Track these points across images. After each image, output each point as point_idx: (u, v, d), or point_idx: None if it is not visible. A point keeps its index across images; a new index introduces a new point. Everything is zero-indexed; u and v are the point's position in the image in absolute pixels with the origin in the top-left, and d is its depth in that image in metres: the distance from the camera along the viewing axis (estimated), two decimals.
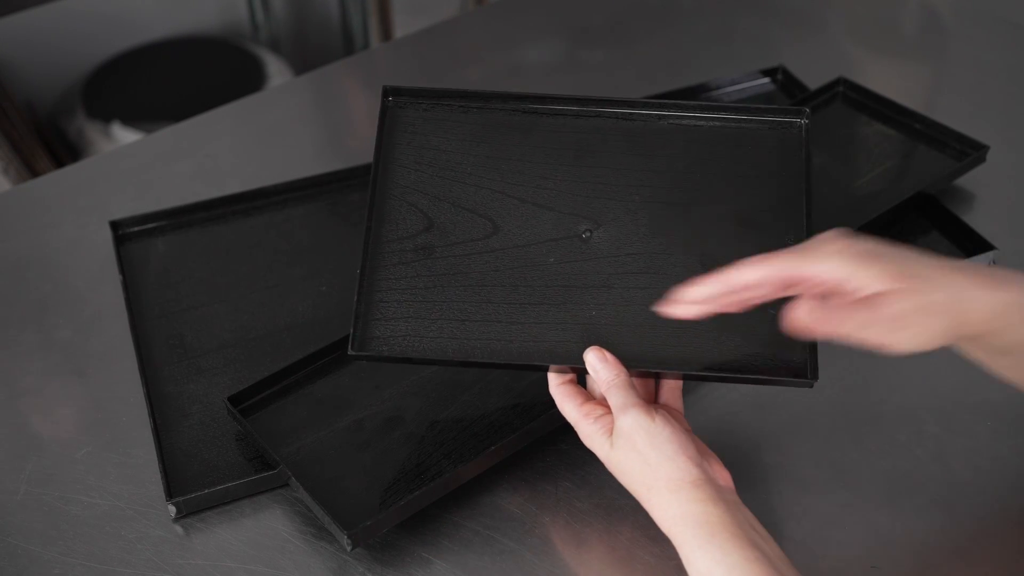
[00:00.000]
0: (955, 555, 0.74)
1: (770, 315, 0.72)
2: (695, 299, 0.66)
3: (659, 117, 0.79)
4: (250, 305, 0.92)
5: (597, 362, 0.70)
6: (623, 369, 0.70)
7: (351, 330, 0.72)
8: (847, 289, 0.61)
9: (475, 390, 0.81)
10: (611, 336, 0.72)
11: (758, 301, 0.66)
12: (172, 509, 0.76)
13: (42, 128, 1.91)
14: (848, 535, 0.75)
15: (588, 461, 0.79)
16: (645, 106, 0.80)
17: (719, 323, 0.71)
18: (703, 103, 0.80)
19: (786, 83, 1.16)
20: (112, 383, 0.86)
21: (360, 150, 1.13)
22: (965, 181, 1.02)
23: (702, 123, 0.79)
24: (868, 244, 0.62)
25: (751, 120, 0.79)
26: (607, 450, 0.68)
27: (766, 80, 1.17)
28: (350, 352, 0.71)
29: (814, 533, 0.75)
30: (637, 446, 0.66)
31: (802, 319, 0.63)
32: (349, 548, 0.71)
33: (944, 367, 0.86)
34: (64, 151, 1.85)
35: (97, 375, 0.87)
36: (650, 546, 0.74)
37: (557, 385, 0.72)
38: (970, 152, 1.01)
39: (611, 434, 0.68)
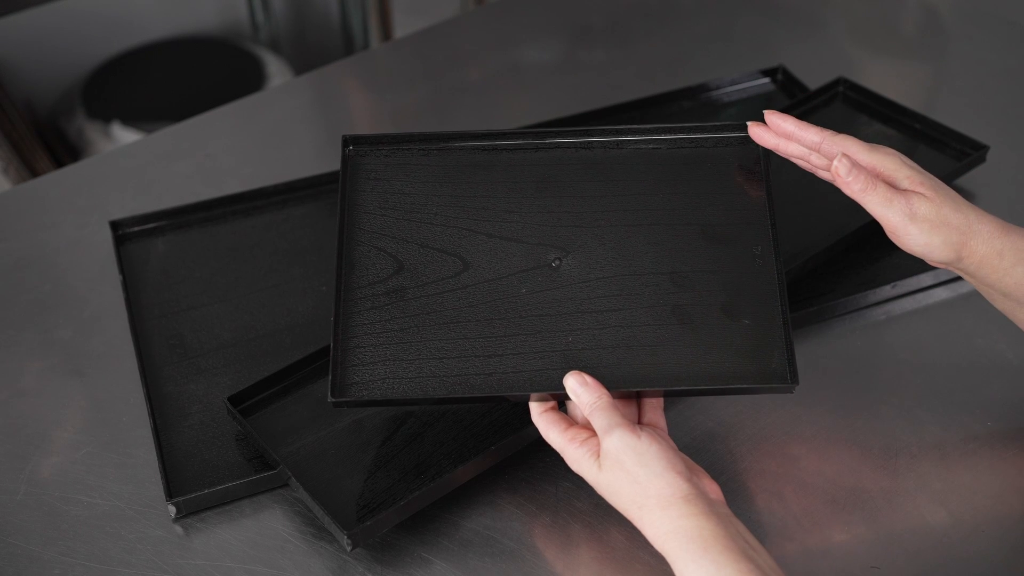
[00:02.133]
0: (955, 555, 0.74)
1: (745, 326, 0.72)
2: (779, 128, 0.75)
3: (617, 144, 0.80)
4: (250, 305, 0.92)
5: (578, 386, 0.70)
6: (604, 391, 0.70)
7: (330, 377, 0.72)
8: (887, 180, 0.72)
9: None
10: (589, 360, 0.72)
11: (812, 168, 0.76)
12: (172, 509, 0.76)
13: (42, 128, 1.91)
14: (848, 535, 0.75)
15: None
16: (603, 133, 0.80)
17: (696, 338, 0.73)
18: (659, 126, 0.80)
19: (786, 83, 1.16)
20: (112, 383, 0.86)
21: None
22: (965, 181, 1.02)
23: (660, 145, 0.80)
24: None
25: (708, 138, 0.80)
26: (595, 473, 0.68)
27: (766, 80, 1.17)
28: (330, 400, 0.71)
29: (814, 533, 0.75)
30: (625, 465, 0.66)
31: (848, 164, 0.71)
32: (349, 548, 0.71)
33: (944, 368, 0.86)
34: (64, 151, 1.85)
35: (97, 375, 0.87)
36: (649, 547, 0.73)
37: (539, 413, 0.72)
38: (970, 152, 1.01)
39: (598, 456, 0.68)
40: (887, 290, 0.91)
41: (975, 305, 0.92)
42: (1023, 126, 1.13)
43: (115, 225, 0.98)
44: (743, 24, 1.32)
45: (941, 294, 0.92)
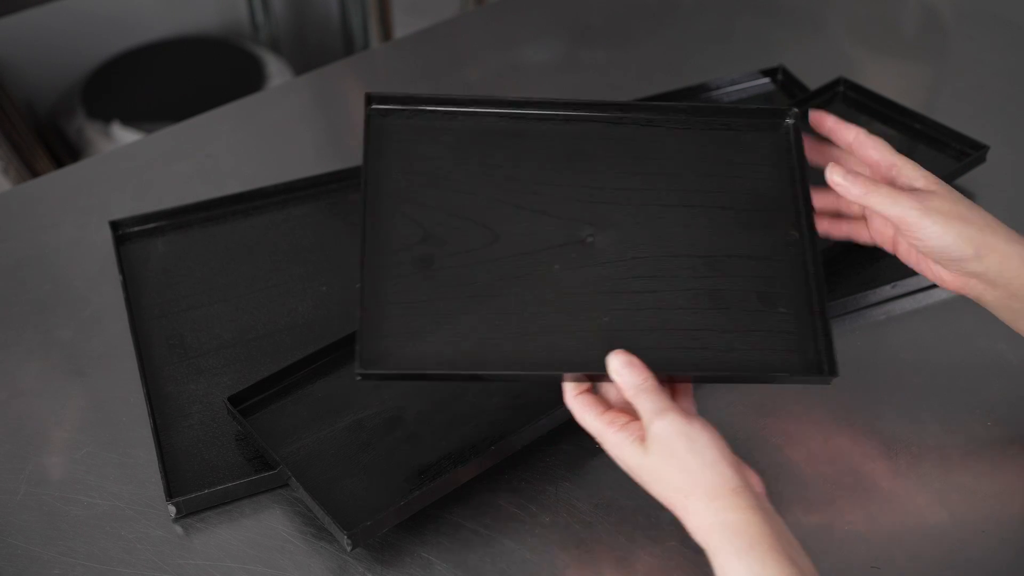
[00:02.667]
0: (956, 555, 0.74)
1: (781, 314, 0.72)
2: (820, 125, 0.79)
3: (649, 120, 0.79)
4: (250, 305, 0.91)
5: (622, 367, 0.67)
6: (650, 372, 0.67)
7: (357, 348, 0.69)
8: (901, 181, 0.74)
9: (475, 390, 0.81)
10: (626, 341, 0.70)
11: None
12: (172, 509, 0.76)
13: (42, 128, 1.91)
14: (848, 535, 0.75)
15: (588, 461, 0.79)
16: (635, 109, 0.79)
17: (732, 325, 0.72)
18: (694, 105, 0.79)
19: (786, 83, 1.16)
20: (112, 383, 0.86)
21: (360, 150, 1.13)
22: (965, 181, 1.02)
23: (693, 126, 0.79)
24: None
25: (740, 121, 0.79)
26: (639, 458, 0.66)
27: (766, 80, 1.17)
28: (357, 371, 0.68)
29: (814, 533, 0.75)
30: (676, 452, 0.64)
31: (845, 171, 0.73)
32: (349, 548, 0.71)
33: (944, 368, 0.86)
34: (64, 151, 1.85)
35: (97, 375, 0.87)
36: (650, 546, 0.74)
37: (574, 396, 0.70)
38: (970, 152, 1.01)
39: (642, 441, 0.66)
40: (887, 290, 0.91)
41: (975, 305, 0.91)
42: (1023, 126, 1.13)
43: (115, 225, 0.98)
44: (743, 24, 1.32)
45: (941, 294, 0.92)
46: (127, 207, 1.03)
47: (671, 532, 0.74)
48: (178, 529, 0.76)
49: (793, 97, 1.13)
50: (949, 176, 0.98)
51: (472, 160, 0.76)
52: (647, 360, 0.69)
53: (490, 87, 1.22)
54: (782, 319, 0.72)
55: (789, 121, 0.79)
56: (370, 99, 0.78)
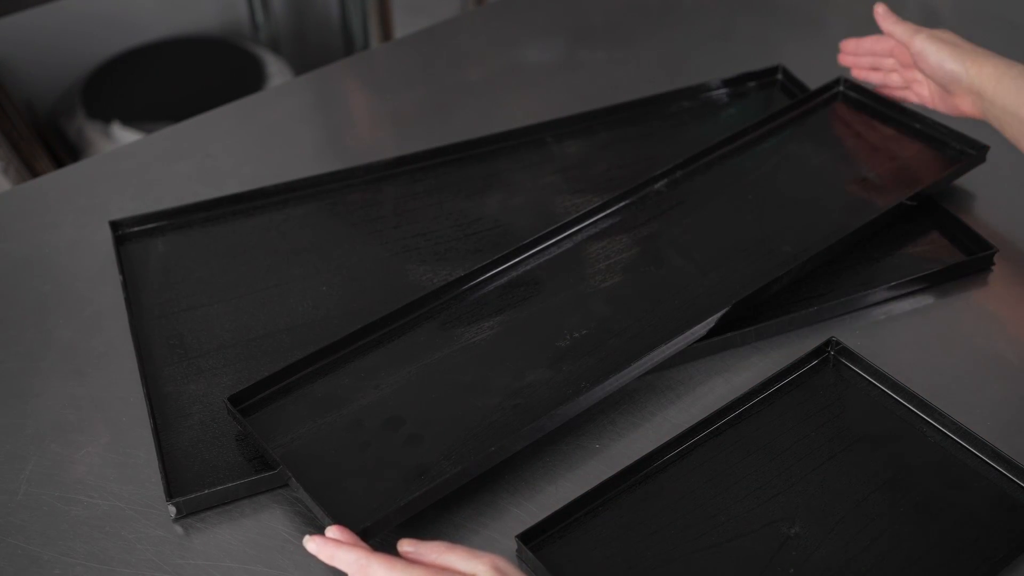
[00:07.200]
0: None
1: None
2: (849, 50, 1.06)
3: None
4: (250, 305, 0.91)
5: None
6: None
7: None
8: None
9: (475, 390, 0.81)
10: None
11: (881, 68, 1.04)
12: (172, 509, 0.76)
13: (42, 128, 1.91)
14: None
15: (588, 461, 0.79)
16: None
17: None
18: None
19: (786, 83, 1.16)
20: (112, 383, 0.86)
21: (360, 150, 1.13)
22: (965, 181, 1.02)
23: None
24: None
25: None
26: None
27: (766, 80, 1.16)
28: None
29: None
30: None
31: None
32: None
33: (944, 368, 0.86)
34: (64, 151, 1.85)
35: (97, 375, 0.87)
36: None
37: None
38: (970, 152, 1.01)
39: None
40: (887, 290, 0.91)
41: (975, 305, 0.92)
42: None
43: (115, 225, 0.98)
44: (743, 24, 1.32)
45: (941, 294, 0.92)
46: (127, 207, 1.03)
47: None
48: (178, 529, 0.76)
49: (793, 97, 1.13)
50: (949, 176, 0.99)
51: None
52: None
53: (490, 87, 1.22)
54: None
55: None
56: None
